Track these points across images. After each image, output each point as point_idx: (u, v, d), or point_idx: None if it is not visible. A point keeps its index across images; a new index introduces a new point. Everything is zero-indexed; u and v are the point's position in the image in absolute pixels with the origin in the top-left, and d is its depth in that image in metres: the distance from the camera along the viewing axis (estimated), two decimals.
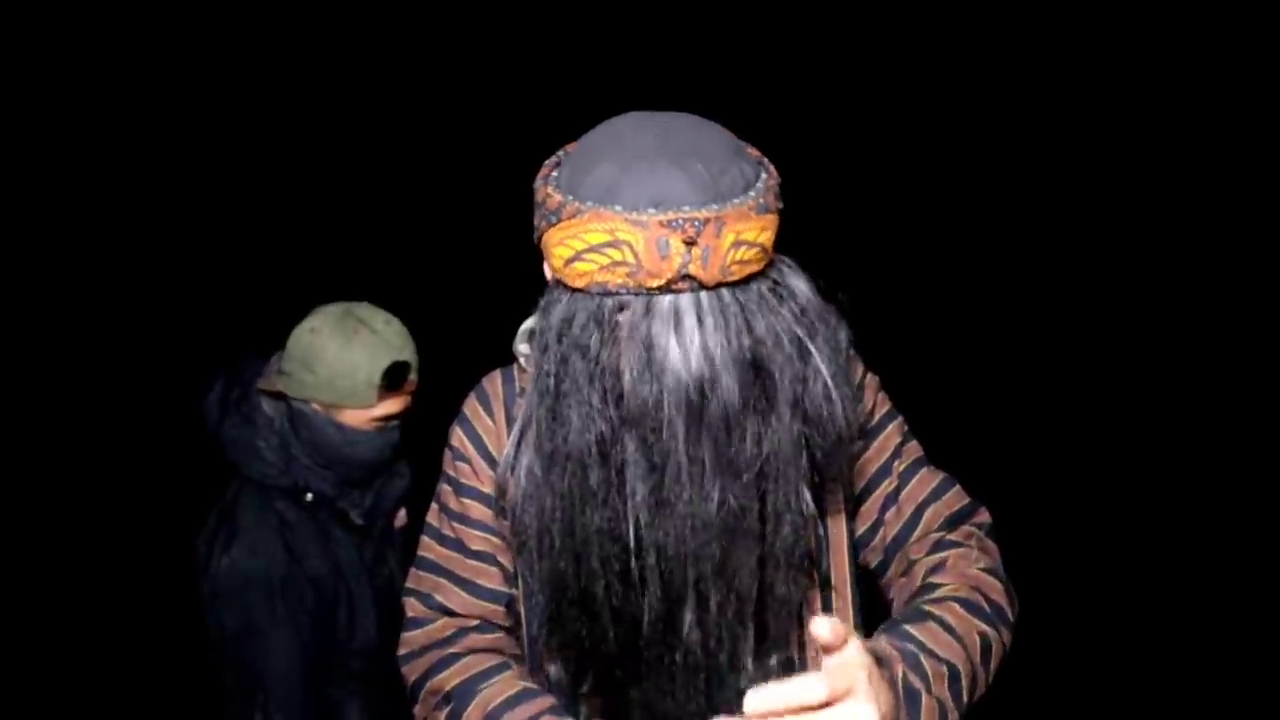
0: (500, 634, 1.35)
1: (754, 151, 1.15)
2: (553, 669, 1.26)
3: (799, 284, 1.13)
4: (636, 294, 1.05)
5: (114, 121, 4.21)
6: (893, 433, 1.33)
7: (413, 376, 1.90)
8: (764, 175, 1.11)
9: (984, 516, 1.35)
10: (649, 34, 4.41)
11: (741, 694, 0.91)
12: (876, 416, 1.32)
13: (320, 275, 2.92)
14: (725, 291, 1.07)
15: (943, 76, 4.60)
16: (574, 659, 1.22)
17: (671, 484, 1.08)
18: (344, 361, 1.82)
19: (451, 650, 1.33)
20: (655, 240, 1.03)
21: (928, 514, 1.31)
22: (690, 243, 1.03)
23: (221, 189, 4.38)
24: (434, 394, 1.98)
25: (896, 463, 1.32)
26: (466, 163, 4.48)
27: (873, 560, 1.33)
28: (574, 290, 1.09)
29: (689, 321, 1.05)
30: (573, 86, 4.14)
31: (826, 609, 1.29)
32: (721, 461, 1.07)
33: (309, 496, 1.90)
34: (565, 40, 4.47)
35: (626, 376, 1.07)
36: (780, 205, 1.11)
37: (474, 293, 3.85)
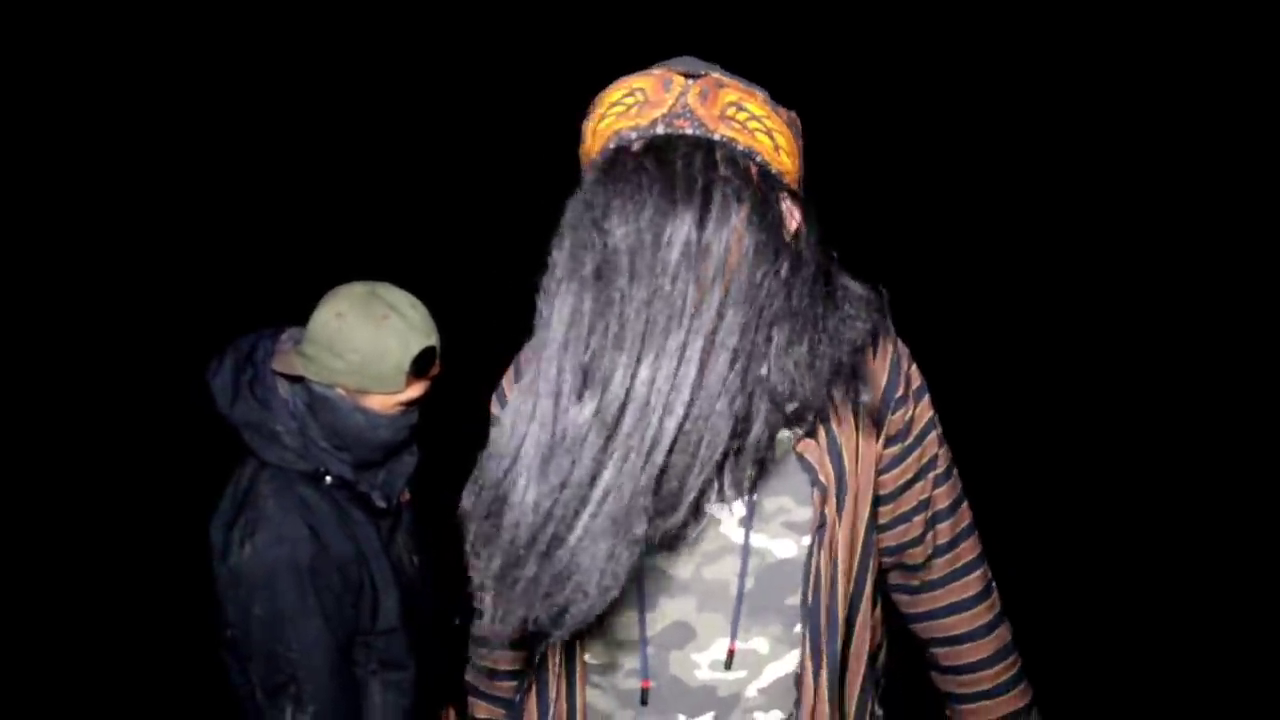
0: None
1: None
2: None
3: (809, 249, 1.22)
4: (642, 134, 1.15)
5: (117, 109, 3.98)
6: (932, 442, 1.43)
7: (438, 360, 1.89)
8: (781, 107, 1.22)
9: (969, 543, 1.50)
10: (666, 26, 4.35)
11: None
12: (920, 424, 1.41)
13: (316, 251, 2.82)
14: (726, 145, 1.15)
15: (946, 78, 4.62)
16: (498, 519, 1.20)
17: (639, 312, 1.11)
18: (375, 348, 1.79)
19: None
20: (661, 80, 1.17)
21: (939, 527, 1.45)
22: (689, 77, 1.17)
23: (221, 173, 4.15)
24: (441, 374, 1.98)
25: (933, 472, 1.43)
26: (461, 140, 4.35)
27: (887, 543, 1.45)
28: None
29: (679, 152, 1.13)
30: (577, 74, 4.06)
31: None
32: (672, 298, 1.10)
33: (328, 479, 1.87)
34: (576, 30, 4.35)
35: (617, 203, 1.12)
36: (794, 123, 1.22)
37: (479, 268, 3.76)
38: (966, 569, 1.47)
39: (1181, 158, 4.58)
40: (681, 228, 1.10)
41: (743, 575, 1.30)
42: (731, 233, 1.12)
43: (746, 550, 1.29)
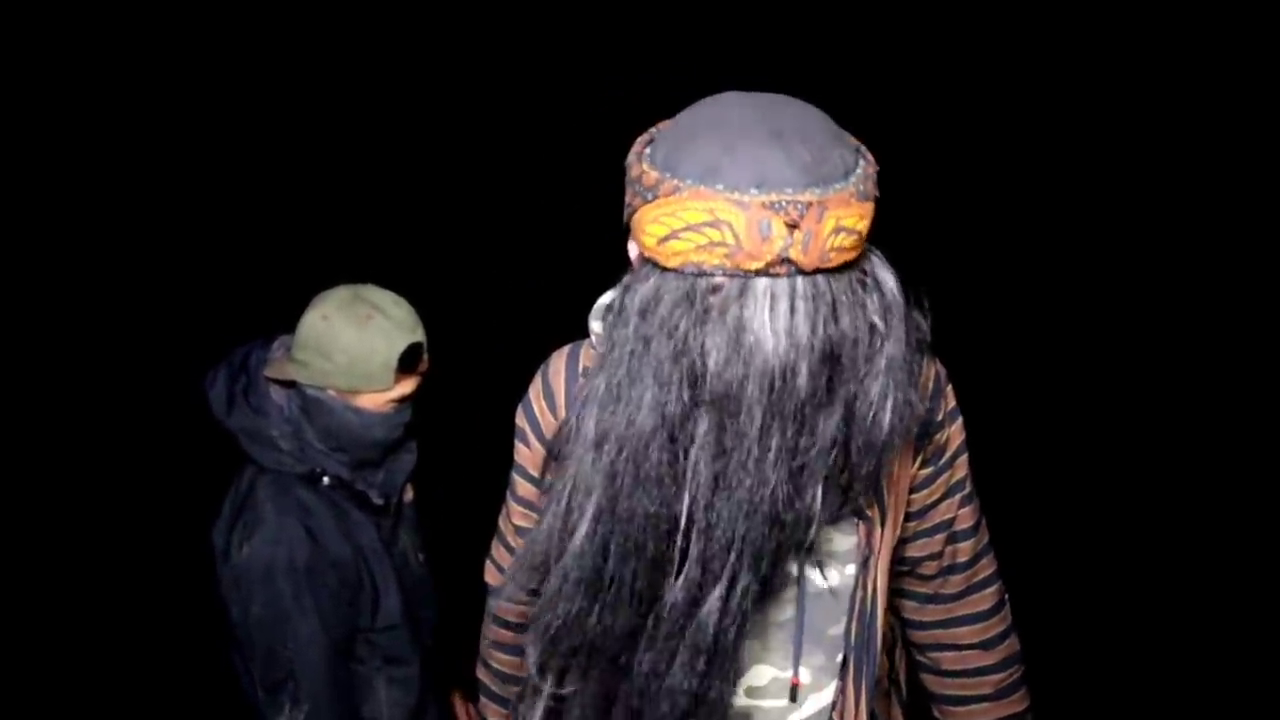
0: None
1: (852, 139, 1.15)
2: (531, 652, 1.26)
3: (887, 277, 1.14)
4: (732, 275, 1.04)
5: (98, 120, 4.02)
6: (962, 463, 1.40)
7: (424, 355, 1.92)
8: (863, 163, 1.11)
9: (987, 559, 1.48)
10: (663, 26, 4.30)
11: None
12: (954, 446, 1.38)
13: (306, 259, 2.85)
14: (821, 279, 1.06)
15: (943, 78, 4.52)
16: (570, 641, 1.20)
17: (737, 468, 1.08)
18: (362, 347, 1.83)
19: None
20: (757, 222, 1.01)
21: (960, 545, 1.43)
22: (793, 226, 1.02)
23: (207, 184, 4.19)
24: (434, 372, 2.01)
25: (960, 493, 1.40)
26: (444, 138, 4.33)
27: (904, 555, 1.43)
28: (664, 269, 1.08)
29: (783, 307, 1.05)
30: (560, 72, 4.07)
31: (859, 610, 1.33)
32: (785, 449, 1.07)
33: (325, 480, 1.91)
34: (564, 26, 4.34)
35: (713, 357, 1.05)
36: (877, 194, 1.10)
37: (464, 267, 3.73)
38: (983, 584, 1.46)
39: (1185, 162, 4.44)
40: (782, 370, 1.05)
41: (801, 607, 1.29)
42: (829, 354, 1.07)
43: (803, 583, 1.29)
